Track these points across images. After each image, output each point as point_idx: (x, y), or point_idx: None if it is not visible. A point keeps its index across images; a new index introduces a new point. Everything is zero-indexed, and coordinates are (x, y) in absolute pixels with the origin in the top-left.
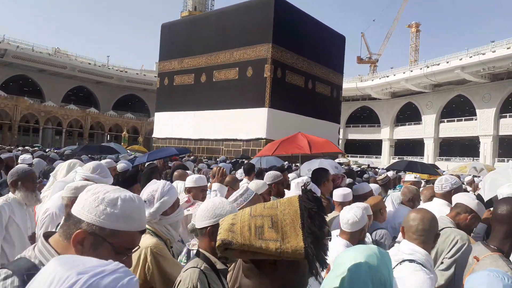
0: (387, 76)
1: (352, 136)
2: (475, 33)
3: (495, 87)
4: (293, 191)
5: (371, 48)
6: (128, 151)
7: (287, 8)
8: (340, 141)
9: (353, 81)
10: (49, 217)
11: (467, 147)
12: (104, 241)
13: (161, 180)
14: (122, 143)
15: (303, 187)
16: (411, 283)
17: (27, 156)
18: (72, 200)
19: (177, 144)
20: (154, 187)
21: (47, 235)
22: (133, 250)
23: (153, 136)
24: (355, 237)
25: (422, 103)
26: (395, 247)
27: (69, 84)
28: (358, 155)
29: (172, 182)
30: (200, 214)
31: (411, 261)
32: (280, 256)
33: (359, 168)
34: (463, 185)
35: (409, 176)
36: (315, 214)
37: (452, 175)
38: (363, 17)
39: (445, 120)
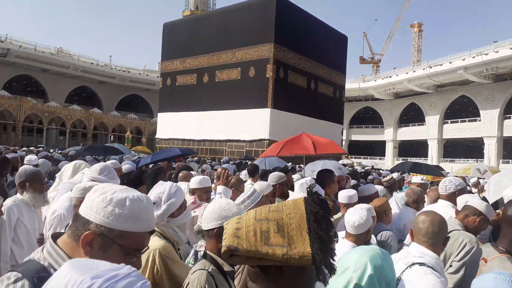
0: (390, 77)
1: (355, 137)
2: (477, 33)
3: (499, 87)
4: (297, 192)
5: (373, 48)
6: (132, 151)
7: (289, 8)
8: (343, 142)
9: (356, 82)
10: (57, 218)
11: (471, 148)
12: (113, 242)
13: (168, 181)
14: (126, 144)
15: (308, 189)
16: (421, 287)
17: (33, 157)
18: (80, 201)
19: (180, 145)
20: (160, 189)
21: (55, 236)
22: (142, 251)
23: (156, 137)
24: (361, 239)
25: (426, 103)
26: (404, 250)
27: (72, 84)
28: (362, 156)
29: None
30: (206, 216)
31: (421, 264)
32: (287, 262)
33: (362, 170)
34: (469, 187)
35: (416, 178)
36: (321, 218)
37: (456, 176)
38: (365, 17)
39: (449, 121)
